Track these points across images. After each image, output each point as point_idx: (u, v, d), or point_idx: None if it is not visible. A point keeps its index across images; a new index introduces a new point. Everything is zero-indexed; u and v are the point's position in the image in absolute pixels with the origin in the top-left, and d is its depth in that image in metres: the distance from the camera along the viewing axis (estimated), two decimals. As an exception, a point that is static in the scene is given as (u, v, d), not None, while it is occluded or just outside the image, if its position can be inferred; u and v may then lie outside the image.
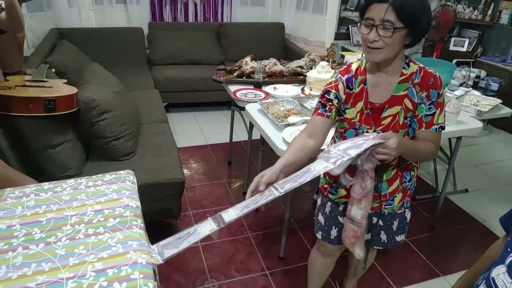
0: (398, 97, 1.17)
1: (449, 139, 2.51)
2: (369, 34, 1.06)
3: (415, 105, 1.17)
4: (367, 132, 1.22)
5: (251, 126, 2.31)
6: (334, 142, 1.38)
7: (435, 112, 1.17)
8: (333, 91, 1.23)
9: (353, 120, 1.24)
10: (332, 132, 1.38)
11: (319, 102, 1.26)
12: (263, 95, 2.30)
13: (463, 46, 4.43)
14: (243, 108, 2.18)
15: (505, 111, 2.40)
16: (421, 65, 1.19)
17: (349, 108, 1.24)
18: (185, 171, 2.83)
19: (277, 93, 2.31)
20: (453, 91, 2.53)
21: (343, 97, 1.23)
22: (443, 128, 1.20)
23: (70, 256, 0.80)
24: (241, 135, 3.33)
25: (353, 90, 1.22)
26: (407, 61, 1.18)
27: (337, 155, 1.01)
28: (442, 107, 1.18)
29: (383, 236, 1.44)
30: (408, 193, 1.38)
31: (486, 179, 3.02)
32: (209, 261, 2.03)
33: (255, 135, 2.32)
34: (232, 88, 2.40)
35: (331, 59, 2.65)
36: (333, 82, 1.25)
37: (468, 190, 2.82)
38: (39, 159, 1.79)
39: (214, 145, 3.25)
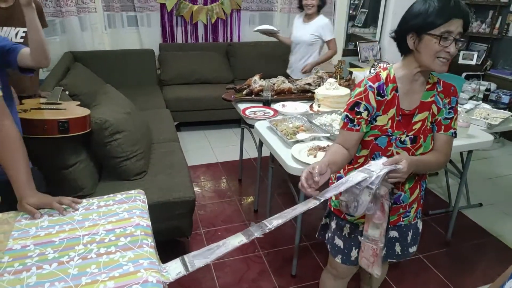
0: (426, 103, 1.24)
1: (461, 153, 2.48)
2: (449, 47, 1.10)
3: (439, 110, 1.25)
4: (400, 137, 1.24)
5: (260, 144, 2.33)
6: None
7: (453, 117, 1.26)
8: (363, 102, 1.22)
9: (385, 127, 1.24)
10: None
11: (346, 116, 1.25)
12: (272, 112, 2.32)
13: (472, 60, 4.42)
14: (252, 126, 2.21)
15: (517, 123, 2.37)
16: (438, 77, 1.28)
17: (380, 115, 1.23)
18: (196, 189, 2.84)
19: (286, 111, 2.33)
20: (462, 104, 2.52)
21: (375, 105, 1.22)
22: (456, 134, 1.28)
23: (82, 275, 0.81)
24: (251, 152, 3.35)
25: (385, 97, 1.23)
26: None
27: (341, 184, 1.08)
28: (457, 114, 1.27)
29: (398, 248, 1.43)
30: (421, 203, 1.42)
31: (500, 192, 2.95)
32: (221, 280, 2.01)
33: (265, 153, 2.33)
34: (241, 106, 2.43)
35: (338, 75, 2.67)
36: (362, 93, 1.23)
37: (482, 204, 2.76)
38: (53, 179, 1.83)
39: (225, 163, 3.27)
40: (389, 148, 1.25)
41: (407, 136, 1.24)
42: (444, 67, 1.15)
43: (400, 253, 1.44)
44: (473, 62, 4.39)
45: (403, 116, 1.24)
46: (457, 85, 2.61)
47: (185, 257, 0.90)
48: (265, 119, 2.16)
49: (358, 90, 1.24)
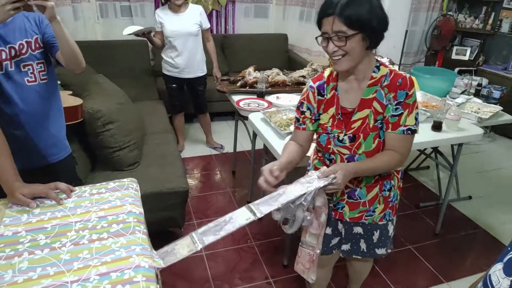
0: (367, 100, 1.18)
1: (452, 146, 2.51)
2: (327, 47, 1.10)
3: (384, 107, 1.17)
4: (338, 136, 1.23)
5: (254, 136, 2.33)
6: (316, 148, 1.40)
7: (402, 113, 1.16)
8: (305, 102, 1.27)
9: (325, 125, 1.26)
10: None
11: (295, 116, 1.33)
12: (266, 104, 2.33)
13: (465, 55, 4.46)
14: (246, 118, 2.21)
15: (506, 118, 2.40)
16: (393, 68, 1.20)
17: (322, 114, 1.27)
18: (190, 181, 2.84)
19: (280, 102, 2.34)
20: (454, 98, 2.55)
21: (315, 105, 1.26)
22: (412, 131, 1.18)
23: (74, 261, 0.82)
24: (245, 144, 3.35)
25: (325, 96, 1.24)
26: (378, 64, 1.18)
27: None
28: (411, 109, 1.16)
29: (363, 245, 1.42)
30: (390, 205, 1.37)
31: (489, 186, 3.00)
32: (213, 270, 2.03)
33: (259, 145, 2.34)
34: (235, 98, 2.43)
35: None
36: (305, 93, 1.28)
37: (472, 197, 2.80)
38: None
39: (218, 155, 3.28)
40: (328, 146, 1.26)
41: (345, 134, 1.22)
42: (336, 66, 1.13)
43: (365, 250, 1.43)
44: (466, 58, 4.43)
45: (344, 115, 1.22)
46: (449, 80, 2.66)
47: (193, 234, 0.92)
48: (259, 111, 2.17)
49: (303, 90, 1.29)
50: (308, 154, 1.44)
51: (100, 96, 2.16)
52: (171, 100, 3.14)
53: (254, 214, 0.98)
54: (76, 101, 1.90)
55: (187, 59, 2.89)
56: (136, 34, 2.70)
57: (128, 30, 2.67)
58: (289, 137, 1.83)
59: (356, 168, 1.15)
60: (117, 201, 1.03)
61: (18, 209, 1.00)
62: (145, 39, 2.82)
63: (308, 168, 1.46)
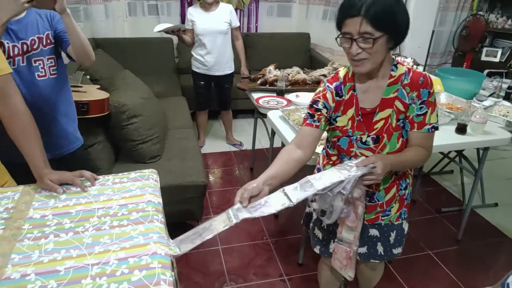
0: (388, 100, 1.16)
1: (477, 150, 2.43)
2: (351, 48, 1.06)
3: (406, 106, 1.16)
4: (361, 138, 1.20)
5: (273, 133, 2.35)
6: (326, 153, 1.37)
7: (426, 112, 1.15)
8: (321, 100, 1.21)
9: (345, 128, 1.21)
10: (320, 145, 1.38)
11: (308, 112, 1.23)
12: (285, 102, 2.34)
13: (495, 57, 4.29)
14: (265, 115, 2.23)
15: (538, 122, 2.30)
16: (409, 66, 1.18)
17: (340, 116, 1.22)
18: (209, 176, 2.89)
19: (299, 101, 2.34)
20: (481, 101, 2.47)
21: (333, 105, 1.21)
22: (436, 128, 1.18)
23: (96, 245, 0.86)
24: (263, 142, 3.37)
25: (343, 97, 1.20)
26: (395, 63, 1.17)
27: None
28: (434, 107, 1.16)
29: (380, 248, 1.40)
30: (405, 203, 1.36)
31: (518, 193, 2.89)
32: (229, 264, 2.06)
33: (277, 143, 2.36)
34: (255, 95, 2.46)
35: (354, 68, 2.65)
36: (321, 92, 1.22)
37: (498, 204, 2.70)
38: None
39: (237, 152, 3.31)
40: (351, 149, 1.23)
41: (368, 136, 1.19)
42: (358, 68, 1.09)
43: (383, 253, 1.40)
44: (497, 59, 4.26)
45: (364, 116, 1.19)
46: (476, 82, 2.58)
47: (229, 210, 0.99)
48: (278, 109, 2.18)
49: (318, 89, 1.24)
50: (316, 152, 1.40)
51: (126, 91, 2.23)
52: (198, 97, 3.18)
53: (290, 199, 0.99)
54: (104, 94, 1.98)
55: (216, 57, 2.94)
56: (167, 31, 2.77)
57: (159, 28, 2.75)
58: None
59: (392, 160, 1.13)
60: (137, 190, 1.07)
61: (46, 194, 1.05)
62: (175, 36, 2.88)
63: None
